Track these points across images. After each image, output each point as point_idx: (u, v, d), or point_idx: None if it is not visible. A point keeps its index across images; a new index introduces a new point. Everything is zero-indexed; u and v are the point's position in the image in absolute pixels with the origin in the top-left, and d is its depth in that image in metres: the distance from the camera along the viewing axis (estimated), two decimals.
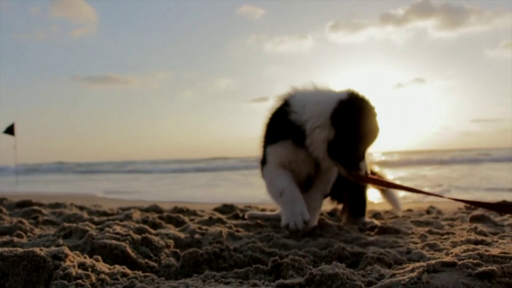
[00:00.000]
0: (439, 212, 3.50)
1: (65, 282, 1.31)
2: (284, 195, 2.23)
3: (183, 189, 9.26)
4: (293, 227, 2.13)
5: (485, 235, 2.14)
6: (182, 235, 2.15)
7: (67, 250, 1.48)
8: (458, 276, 1.23)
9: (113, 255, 1.73)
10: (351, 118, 2.14)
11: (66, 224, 2.23)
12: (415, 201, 5.24)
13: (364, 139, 2.23)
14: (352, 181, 2.33)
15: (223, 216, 3.04)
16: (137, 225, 2.28)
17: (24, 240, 2.12)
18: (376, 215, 3.26)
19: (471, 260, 1.32)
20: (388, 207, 3.32)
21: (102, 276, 1.43)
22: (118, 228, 2.11)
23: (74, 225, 2.20)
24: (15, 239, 2.08)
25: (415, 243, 2.05)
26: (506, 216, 2.78)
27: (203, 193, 7.90)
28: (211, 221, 2.77)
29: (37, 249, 1.41)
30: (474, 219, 2.70)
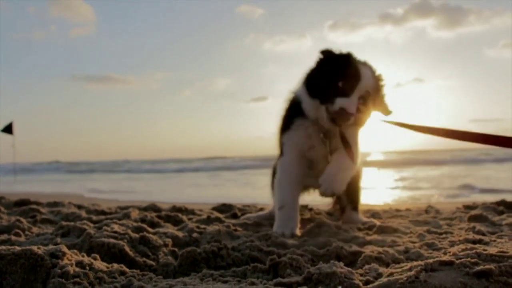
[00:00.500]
0: (437, 211, 3.50)
1: (63, 280, 1.31)
2: (283, 210, 2.39)
3: (181, 189, 9.27)
4: (281, 236, 2.21)
5: (483, 234, 2.14)
6: (180, 234, 2.15)
7: (64, 249, 1.48)
8: (455, 275, 1.23)
9: (111, 254, 1.73)
10: (327, 57, 2.33)
11: (64, 223, 2.22)
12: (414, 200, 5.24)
13: (341, 74, 2.24)
14: (333, 123, 2.26)
15: (221, 215, 3.04)
16: (135, 224, 2.28)
17: (22, 238, 2.12)
18: (375, 214, 3.26)
19: (469, 259, 1.32)
20: (387, 206, 3.32)
21: (100, 274, 1.42)
22: (116, 227, 2.11)
23: (72, 223, 2.20)
24: (13, 237, 2.07)
25: (413, 242, 2.06)
26: (504, 215, 2.79)
27: (202, 193, 7.90)
28: (209, 220, 2.77)
29: (34, 248, 1.41)
30: (472, 218, 2.70)
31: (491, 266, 1.23)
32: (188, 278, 1.49)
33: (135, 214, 2.91)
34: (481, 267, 1.24)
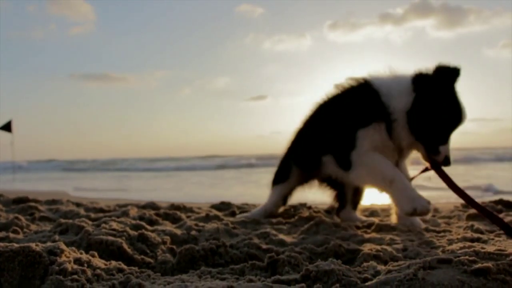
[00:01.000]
0: (436, 210, 3.50)
1: (61, 277, 1.30)
2: (395, 183, 2.14)
3: (180, 187, 9.26)
4: (423, 208, 2.02)
5: (481, 232, 2.14)
6: (178, 232, 2.15)
7: (62, 246, 1.47)
8: (453, 273, 1.23)
9: (109, 251, 1.73)
10: (435, 84, 2.09)
11: (62, 220, 2.22)
12: None
13: (449, 113, 2.09)
14: (429, 168, 2.22)
15: (220, 213, 3.04)
16: (133, 222, 2.28)
17: (20, 236, 2.11)
18: (373, 212, 3.27)
19: (467, 257, 1.32)
20: (385, 204, 3.32)
21: (98, 271, 1.42)
22: (114, 225, 2.11)
23: (71, 221, 2.20)
24: (11, 235, 2.07)
25: (412, 240, 2.06)
26: (503, 214, 2.79)
27: (200, 192, 7.90)
28: (207, 218, 2.76)
29: (32, 245, 1.41)
30: (471, 217, 2.70)
31: (489, 264, 1.24)
32: (186, 275, 1.49)
33: (133, 212, 2.90)
34: (479, 265, 1.24)
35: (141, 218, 2.57)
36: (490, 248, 1.46)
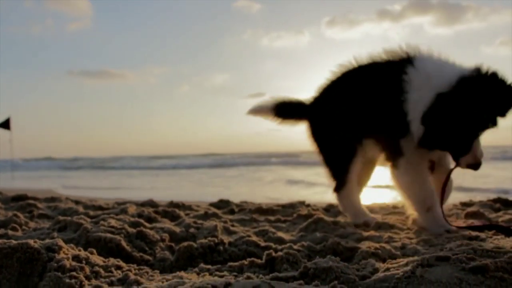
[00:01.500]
0: None
1: (59, 274, 1.30)
2: (431, 212, 2.18)
3: (178, 185, 9.25)
4: (449, 231, 2.11)
5: (479, 230, 2.15)
6: (177, 229, 2.15)
7: (61, 243, 1.47)
8: (451, 270, 1.23)
9: (107, 248, 1.73)
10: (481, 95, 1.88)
11: (61, 218, 2.22)
12: None
13: (479, 111, 1.90)
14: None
15: (218, 211, 3.04)
16: (132, 219, 2.28)
17: (19, 233, 2.11)
18: (372, 210, 3.27)
19: (465, 254, 1.32)
20: (384, 202, 3.32)
21: (96, 268, 1.42)
22: (113, 222, 2.11)
23: (69, 218, 2.19)
24: (10, 232, 2.07)
25: (410, 238, 2.06)
26: (501, 213, 2.79)
27: (199, 190, 7.89)
28: (206, 216, 2.76)
29: (31, 241, 1.41)
30: (469, 215, 2.70)
31: (487, 261, 1.24)
32: (184, 272, 1.49)
33: (132, 209, 2.90)
34: (477, 262, 1.25)
35: (139, 215, 2.57)
36: (488, 246, 1.46)
